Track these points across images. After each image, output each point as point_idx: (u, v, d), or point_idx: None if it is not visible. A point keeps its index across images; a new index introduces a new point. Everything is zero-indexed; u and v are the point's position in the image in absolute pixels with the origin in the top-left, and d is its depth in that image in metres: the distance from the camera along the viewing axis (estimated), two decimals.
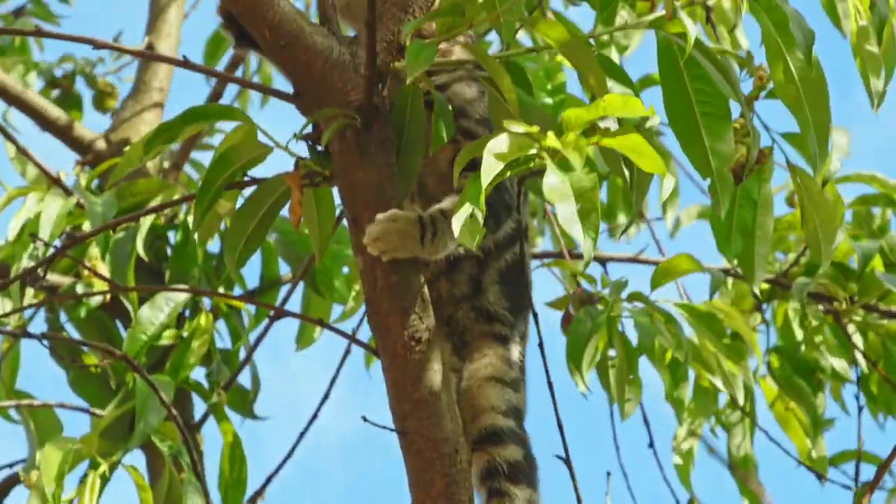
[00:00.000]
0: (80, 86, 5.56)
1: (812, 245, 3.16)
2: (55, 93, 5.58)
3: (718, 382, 4.02)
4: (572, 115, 2.59)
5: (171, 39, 4.96)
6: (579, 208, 2.53)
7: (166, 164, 4.85)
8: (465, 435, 2.89)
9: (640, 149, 2.57)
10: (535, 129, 2.57)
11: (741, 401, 4.07)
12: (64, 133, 4.84)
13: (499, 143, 2.56)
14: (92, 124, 5.19)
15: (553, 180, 2.53)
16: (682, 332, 3.89)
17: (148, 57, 4.88)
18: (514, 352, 3.04)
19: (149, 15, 5.03)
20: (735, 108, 2.88)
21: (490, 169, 2.52)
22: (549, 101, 4.50)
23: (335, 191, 2.94)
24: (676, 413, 4.28)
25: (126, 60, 5.57)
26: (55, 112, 4.85)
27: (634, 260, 4.74)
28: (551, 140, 2.55)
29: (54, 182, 4.42)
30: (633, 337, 3.95)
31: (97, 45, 2.88)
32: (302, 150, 2.95)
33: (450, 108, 2.84)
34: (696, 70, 2.83)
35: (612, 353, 3.98)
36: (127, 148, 3.56)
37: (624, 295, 3.98)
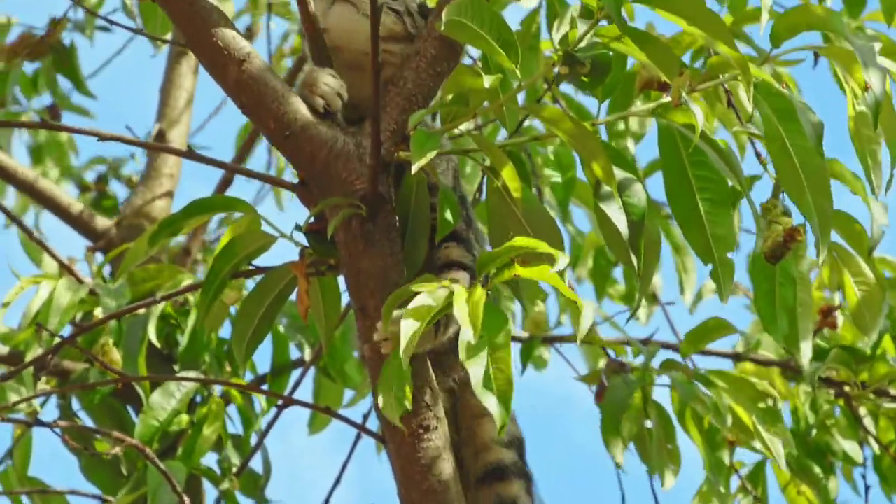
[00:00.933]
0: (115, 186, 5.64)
1: (857, 322, 3.17)
2: (92, 195, 5.65)
3: (758, 445, 3.94)
4: (486, 258, 2.63)
5: (181, 126, 5.01)
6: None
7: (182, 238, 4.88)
8: (464, 465, 2.88)
9: (553, 281, 2.59)
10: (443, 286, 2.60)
11: (782, 465, 3.99)
12: (77, 221, 4.88)
13: (421, 300, 2.58)
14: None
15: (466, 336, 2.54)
16: (721, 396, 3.83)
17: (154, 148, 4.92)
18: None
19: (159, 102, 5.08)
20: (766, 188, 2.90)
21: (408, 336, 2.54)
22: (558, 179, 4.53)
23: (341, 279, 2.95)
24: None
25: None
26: (67, 199, 4.89)
27: (648, 342, 4.73)
28: (460, 296, 2.57)
29: (66, 270, 4.45)
30: (667, 405, 3.90)
31: (102, 138, 2.91)
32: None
33: (454, 194, 2.85)
34: (697, 156, 2.84)
35: (648, 424, 3.92)
36: (136, 240, 3.57)
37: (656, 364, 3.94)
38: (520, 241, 2.59)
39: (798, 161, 2.83)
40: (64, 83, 5.70)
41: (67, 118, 5.83)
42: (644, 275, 2.81)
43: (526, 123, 3.31)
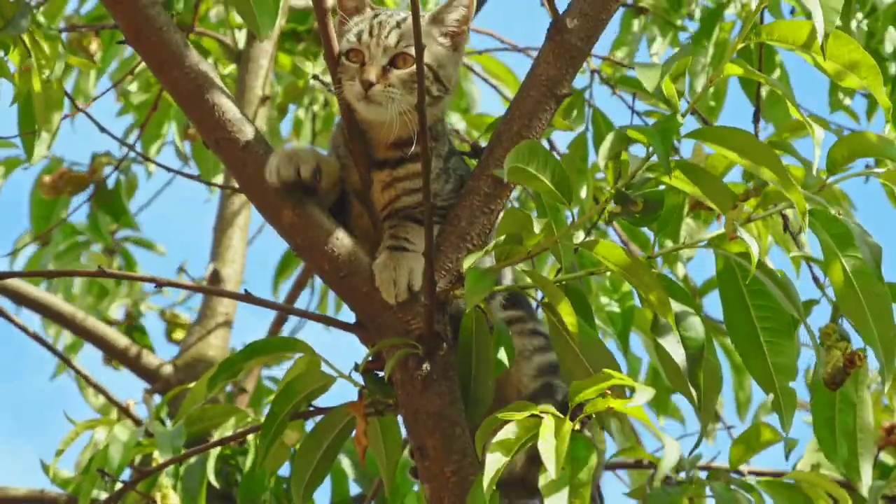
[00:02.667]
0: (149, 318, 5.70)
1: None
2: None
3: None
4: (577, 388, 2.66)
5: (235, 265, 5.07)
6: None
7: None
8: None
9: (640, 415, 2.62)
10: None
11: None
12: (132, 362, 4.93)
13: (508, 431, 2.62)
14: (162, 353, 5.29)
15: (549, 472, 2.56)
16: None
17: (209, 292, 4.98)
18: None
19: (213, 241, 5.15)
20: (825, 313, 2.91)
21: (493, 470, 2.58)
22: (615, 308, 4.53)
23: (400, 418, 2.97)
24: None
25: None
26: (123, 341, 4.95)
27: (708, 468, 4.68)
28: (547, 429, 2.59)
29: (123, 412, 4.49)
30: None
31: (160, 284, 2.96)
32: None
33: (510, 333, 2.88)
34: (756, 285, 2.85)
35: None
36: (193, 384, 3.62)
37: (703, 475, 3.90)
38: (610, 374, 2.62)
39: (859, 287, 2.83)
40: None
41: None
42: (705, 406, 2.81)
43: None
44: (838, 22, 2.63)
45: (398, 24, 3.00)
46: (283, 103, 5.72)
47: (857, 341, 2.93)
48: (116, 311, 5.78)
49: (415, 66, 2.86)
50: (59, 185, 5.58)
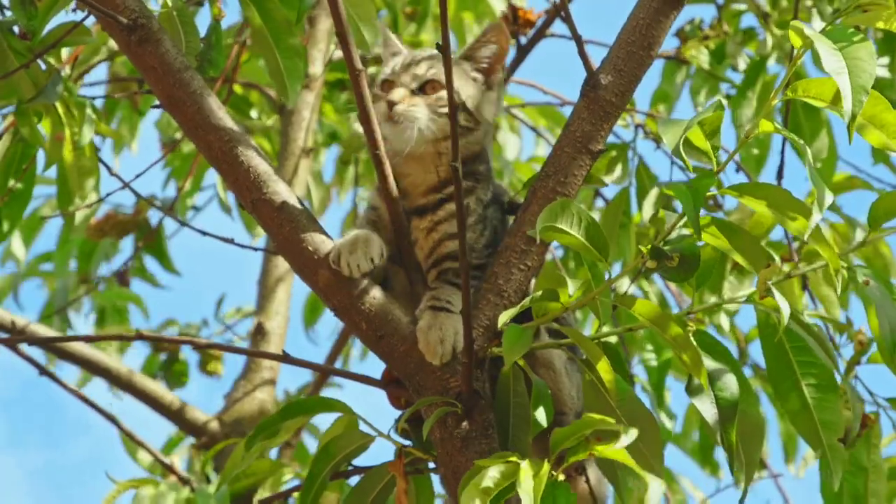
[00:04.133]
0: (186, 349, 5.73)
1: None
2: (162, 356, 5.75)
3: None
4: (561, 436, 2.70)
5: (279, 318, 5.10)
6: None
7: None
8: None
9: (622, 457, 2.66)
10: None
11: None
12: (177, 416, 4.97)
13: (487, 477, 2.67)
14: (200, 389, 5.34)
15: None
16: None
17: (248, 353, 5.02)
18: None
19: (257, 294, 5.19)
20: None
21: None
22: (653, 362, 4.53)
23: (435, 477, 3.00)
24: None
25: (231, 322, 5.79)
26: (168, 397, 5.00)
27: None
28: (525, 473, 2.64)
29: (168, 469, 4.52)
30: None
31: (198, 346, 3.00)
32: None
33: (549, 391, 2.89)
34: (798, 342, 2.85)
35: None
36: (237, 439, 3.67)
37: None
38: (593, 419, 2.65)
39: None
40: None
41: (137, 285, 6.00)
42: (746, 460, 2.81)
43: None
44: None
45: (430, 57, 3.10)
46: (346, 156, 5.80)
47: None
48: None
49: (443, 92, 2.92)
50: (104, 228, 5.66)
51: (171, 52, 3.08)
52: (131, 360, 6.44)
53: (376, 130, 2.98)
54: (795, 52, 2.71)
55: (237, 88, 5.53)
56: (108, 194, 3.93)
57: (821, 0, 4.64)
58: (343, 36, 2.96)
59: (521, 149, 6.24)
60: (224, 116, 3.05)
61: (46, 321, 5.82)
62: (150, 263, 6.01)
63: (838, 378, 2.87)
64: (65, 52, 3.72)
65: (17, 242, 5.95)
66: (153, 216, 5.72)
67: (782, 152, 4.13)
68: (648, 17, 3.09)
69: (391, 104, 3.02)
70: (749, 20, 5.35)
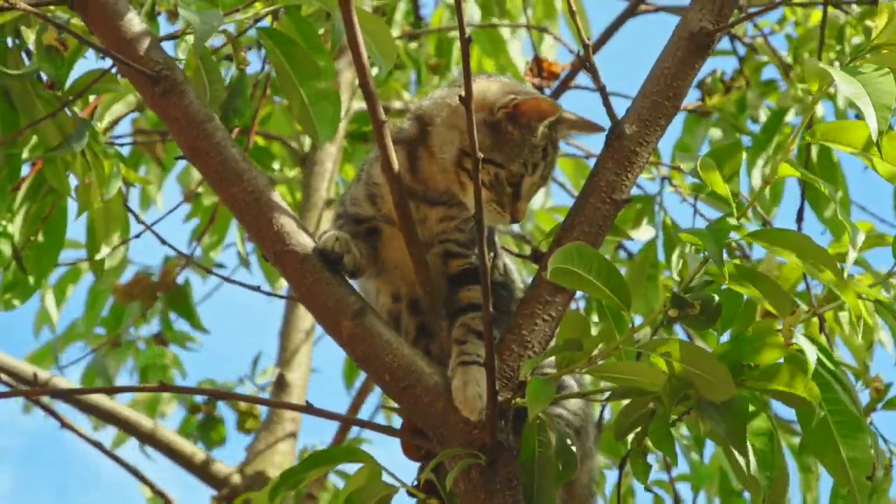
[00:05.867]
0: (222, 408, 5.76)
1: None
2: (199, 416, 5.78)
3: None
4: None
5: (301, 369, 5.14)
6: None
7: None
8: None
9: None
10: None
11: None
12: (200, 469, 5.00)
13: None
14: (234, 445, 5.36)
15: None
16: None
17: (271, 404, 5.05)
18: None
19: (279, 346, 5.22)
20: None
21: None
22: None
23: None
24: None
25: (266, 381, 5.80)
26: (190, 449, 5.02)
27: None
28: None
29: None
30: None
31: (219, 397, 3.01)
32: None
33: (570, 443, 2.90)
34: (823, 379, 2.86)
35: None
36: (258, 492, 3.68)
37: None
38: None
39: None
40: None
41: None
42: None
43: None
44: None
45: None
46: None
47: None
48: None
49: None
50: (133, 292, 5.70)
51: (195, 103, 3.12)
52: (169, 423, 6.46)
53: (398, 182, 3.00)
54: (813, 94, 2.75)
55: (259, 140, 5.59)
56: (131, 238, 3.93)
57: (843, 53, 4.68)
58: (367, 86, 2.99)
59: (544, 199, 6.28)
60: (248, 168, 3.08)
61: (88, 382, 5.86)
62: (178, 323, 6.05)
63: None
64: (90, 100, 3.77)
65: (49, 303, 5.98)
66: (180, 277, 5.77)
67: (802, 196, 4.16)
68: (674, 66, 3.13)
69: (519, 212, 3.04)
70: (770, 72, 5.40)
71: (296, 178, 5.63)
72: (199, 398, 5.77)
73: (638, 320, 3.17)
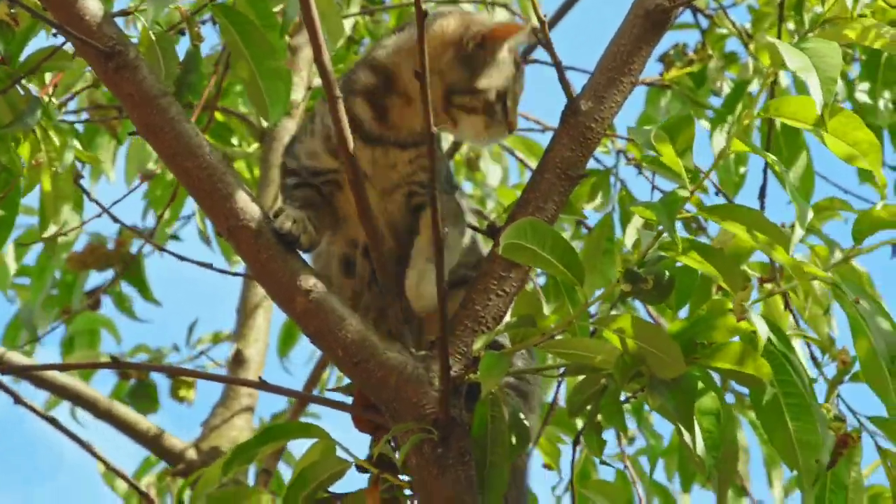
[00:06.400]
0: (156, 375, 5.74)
1: None
2: (131, 382, 5.75)
3: None
4: None
5: (259, 345, 5.13)
6: None
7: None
8: None
9: None
10: None
11: None
12: (155, 443, 4.99)
13: None
14: (179, 416, 5.35)
15: None
16: None
17: (224, 380, 5.05)
18: None
19: (236, 321, 5.22)
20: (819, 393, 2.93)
21: None
22: None
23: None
24: None
25: (204, 347, 5.80)
26: (144, 424, 5.02)
27: None
28: None
29: (145, 497, 4.54)
30: None
31: (174, 373, 3.01)
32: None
33: (522, 418, 2.92)
34: (776, 360, 2.88)
35: None
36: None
37: None
38: None
39: (884, 359, 2.85)
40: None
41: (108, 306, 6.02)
42: (720, 492, 2.84)
43: None
44: (839, 93, 2.70)
45: None
46: None
47: (881, 409, 2.96)
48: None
49: None
50: (87, 260, 5.67)
51: (149, 78, 3.10)
52: (99, 386, 6.44)
53: (355, 161, 3.01)
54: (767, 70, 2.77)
55: (218, 116, 5.57)
56: (84, 222, 3.94)
57: (802, 23, 4.70)
58: (322, 63, 2.99)
59: (504, 176, 6.30)
60: (202, 143, 3.07)
61: (9, 341, 5.83)
62: (128, 291, 6.03)
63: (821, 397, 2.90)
64: (47, 79, 3.75)
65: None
66: (133, 246, 5.74)
67: (765, 172, 4.18)
68: (630, 43, 3.14)
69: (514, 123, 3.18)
70: (734, 45, 5.41)
71: (255, 153, 5.61)
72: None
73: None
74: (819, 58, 2.72)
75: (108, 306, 6.31)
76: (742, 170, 5.04)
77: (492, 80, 3.14)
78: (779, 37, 3.90)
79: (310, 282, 3.00)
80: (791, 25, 4.79)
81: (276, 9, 3.68)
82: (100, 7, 3.12)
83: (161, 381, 5.68)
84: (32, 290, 5.82)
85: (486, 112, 3.13)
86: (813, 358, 3.31)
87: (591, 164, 3.25)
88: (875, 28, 2.85)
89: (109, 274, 5.77)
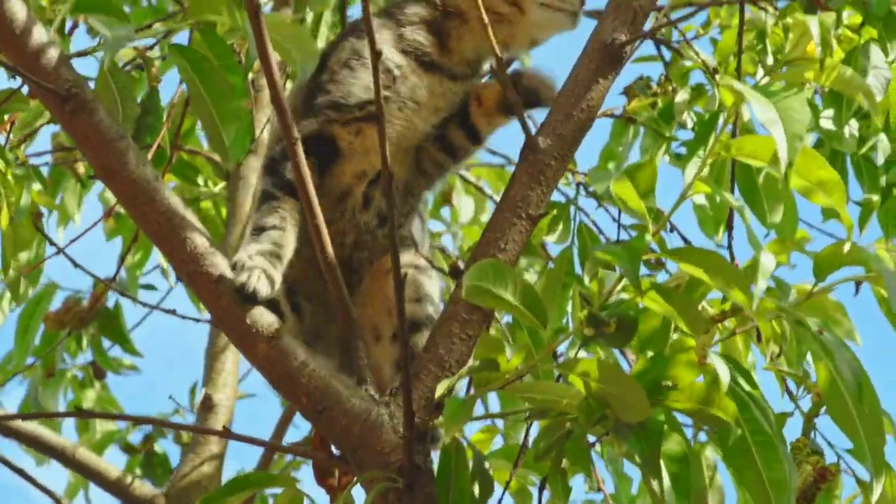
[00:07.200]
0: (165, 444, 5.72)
1: None
2: (141, 457, 5.73)
3: None
4: None
5: (228, 389, 5.07)
6: None
7: None
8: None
9: None
10: None
11: None
12: (123, 492, 4.94)
13: None
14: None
15: None
16: None
17: (191, 429, 5.01)
18: None
19: (205, 366, 5.17)
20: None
21: None
22: None
23: None
24: None
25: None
26: (114, 472, 4.96)
27: None
28: None
29: None
30: None
31: (139, 422, 2.99)
32: None
33: (487, 466, 2.90)
34: (740, 399, 2.86)
35: None
36: None
37: None
38: None
39: (850, 400, 2.84)
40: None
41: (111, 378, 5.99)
42: None
43: None
44: (807, 143, 2.69)
45: None
46: None
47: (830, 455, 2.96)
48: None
49: None
50: (63, 319, 5.63)
51: (106, 121, 3.07)
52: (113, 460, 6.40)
53: (313, 201, 2.98)
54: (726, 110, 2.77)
55: (183, 155, 5.54)
56: (41, 260, 3.89)
57: (764, 53, 4.70)
58: (279, 102, 2.97)
59: (477, 208, 6.27)
60: (160, 187, 3.05)
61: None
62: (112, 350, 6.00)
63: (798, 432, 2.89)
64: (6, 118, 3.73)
65: None
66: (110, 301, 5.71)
67: (731, 212, 4.16)
68: (587, 78, 3.13)
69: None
70: (700, 76, 5.39)
71: (221, 193, 5.59)
72: (133, 440, 5.73)
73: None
74: (786, 111, 2.71)
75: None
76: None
77: None
78: (738, 69, 3.89)
79: (272, 327, 2.97)
80: (753, 55, 4.79)
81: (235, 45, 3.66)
82: (55, 48, 3.10)
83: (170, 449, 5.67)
84: (17, 352, 5.78)
85: None
86: (788, 392, 3.30)
87: (554, 195, 3.23)
88: (830, 69, 2.85)
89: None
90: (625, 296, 2.77)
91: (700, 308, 2.86)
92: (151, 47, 3.55)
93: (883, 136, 4.13)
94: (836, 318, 2.99)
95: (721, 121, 4.31)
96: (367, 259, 3.24)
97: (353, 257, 3.23)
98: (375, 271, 3.25)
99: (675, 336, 3.10)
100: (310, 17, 5.50)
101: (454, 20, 3.24)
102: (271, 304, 3.00)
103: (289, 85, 3.86)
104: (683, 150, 4.99)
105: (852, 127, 4.10)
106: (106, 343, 5.94)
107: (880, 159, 4.18)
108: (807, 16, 3.60)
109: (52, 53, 3.09)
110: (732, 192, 3.73)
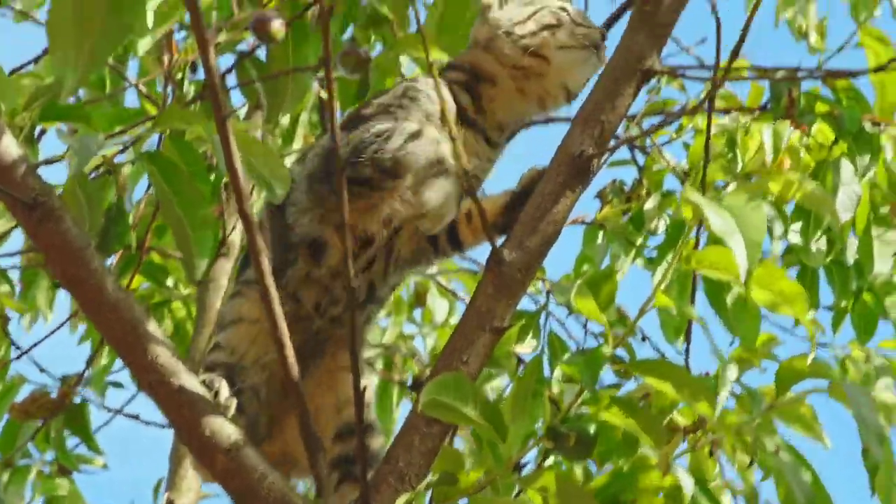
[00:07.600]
0: None
1: None
2: None
3: None
4: None
5: (191, 494, 5.06)
6: None
7: None
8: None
9: None
10: None
11: None
12: None
13: None
14: None
15: None
16: None
17: None
18: None
19: (169, 469, 5.15)
20: None
21: None
22: None
23: None
24: None
25: None
26: None
27: None
28: None
29: None
30: None
31: None
32: None
33: None
34: None
35: None
36: None
37: None
38: None
39: None
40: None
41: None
42: None
43: None
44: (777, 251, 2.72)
45: None
46: None
47: None
48: None
49: None
50: (30, 410, 5.59)
51: (72, 229, 3.08)
52: None
53: (276, 309, 2.99)
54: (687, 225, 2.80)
55: (155, 257, 5.54)
56: (6, 362, 3.89)
57: (735, 160, 4.74)
58: (245, 216, 2.99)
59: (450, 309, 6.29)
60: (125, 297, 3.04)
61: None
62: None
63: None
64: None
65: None
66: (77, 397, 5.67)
67: (689, 323, 4.18)
68: (555, 191, 3.14)
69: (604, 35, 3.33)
70: (673, 181, 5.41)
71: (190, 295, 5.59)
72: None
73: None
74: (743, 219, 2.73)
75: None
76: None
77: None
78: (703, 177, 3.93)
79: (231, 439, 2.96)
80: (722, 161, 4.83)
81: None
82: (22, 156, 3.11)
83: None
84: None
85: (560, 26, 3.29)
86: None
87: (521, 303, 3.24)
88: (796, 183, 2.88)
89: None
90: (586, 409, 2.78)
91: (668, 418, 2.86)
92: (122, 151, 3.56)
93: (852, 238, 4.16)
94: (806, 422, 3.00)
95: (685, 230, 4.37)
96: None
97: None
98: (328, 366, 3.24)
99: (643, 448, 3.12)
100: (286, 118, 5.56)
101: (485, 84, 3.30)
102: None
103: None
104: (655, 254, 5.02)
105: (820, 242, 4.14)
106: (74, 440, 5.92)
107: (850, 261, 4.20)
108: (763, 123, 3.64)
109: (21, 163, 3.09)
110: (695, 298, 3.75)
